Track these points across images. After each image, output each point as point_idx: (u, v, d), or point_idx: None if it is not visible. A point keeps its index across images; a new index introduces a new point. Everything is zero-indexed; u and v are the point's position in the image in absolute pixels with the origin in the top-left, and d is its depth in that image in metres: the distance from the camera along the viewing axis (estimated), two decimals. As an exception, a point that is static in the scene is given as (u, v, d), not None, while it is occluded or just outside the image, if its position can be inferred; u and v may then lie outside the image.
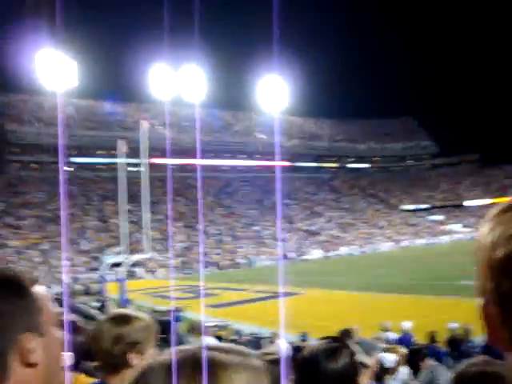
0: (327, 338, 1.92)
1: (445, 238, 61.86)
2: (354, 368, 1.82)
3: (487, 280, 0.54)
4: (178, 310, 17.50)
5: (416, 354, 5.94)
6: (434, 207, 75.03)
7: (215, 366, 0.66)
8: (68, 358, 1.36)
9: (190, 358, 0.66)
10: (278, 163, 79.36)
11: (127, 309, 2.13)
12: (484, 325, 0.57)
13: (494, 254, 0.53)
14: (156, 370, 0.66)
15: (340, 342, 1.88)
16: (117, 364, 1.83)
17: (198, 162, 72.32)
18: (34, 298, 0.96)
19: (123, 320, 1.90)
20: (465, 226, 66.32)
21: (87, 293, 30.15)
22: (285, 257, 53.16)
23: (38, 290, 1.00)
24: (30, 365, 0.92)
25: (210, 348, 0.70)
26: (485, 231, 0.56)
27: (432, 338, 9.36)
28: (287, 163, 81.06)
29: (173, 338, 5.83)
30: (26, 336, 0.92)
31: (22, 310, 0.93)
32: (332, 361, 1.77)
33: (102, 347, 1.86)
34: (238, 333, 14.93)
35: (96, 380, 2.01)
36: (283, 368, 3.17)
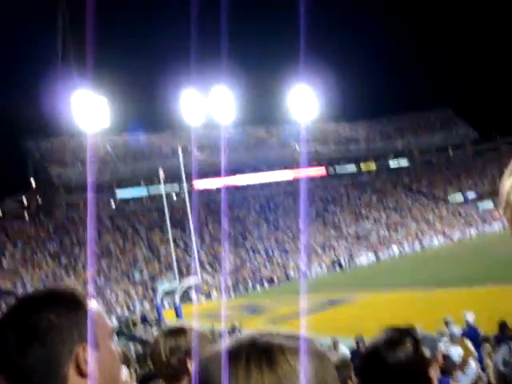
0: (389, 328, 1.82)
1: (498, 225, 60.04)
2: (421, 358, 1.71)
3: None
4: (234, 327, 17.55)
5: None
6: (482, 195, 73.02)
7: (272, 350, 0.65)
8: (125, 372, 1.42)
9: (246, 345, 0.65)
10: (317, 171, 79.06)
11: (181, 322, 2.24)
12: None
13: None
14: (215, 359, 0.66)
15: (403, 331, 1.78)
16: (176, 373, 1.92)
17: (237, 179, 72.79)
18: (88, 311, 1.01)
19: (177, 332, 2.00)
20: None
21: (145, 321, 30.55)
22: (336, 263, 52.68)
23: (93, 304, 1.05)
24: (85, 375, 0.97)
25: (268, 334, 0.69)
26: (506, 176, 0.56)
27: (502, 326, 8.97)
28: (325, 170, 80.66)
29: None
30: (82, 347, 0.97)
31: (78, 323, 0.98)
32: (395, 351, 1.68)
33: (160, 359, 1.95)
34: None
35: None
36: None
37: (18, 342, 0.94)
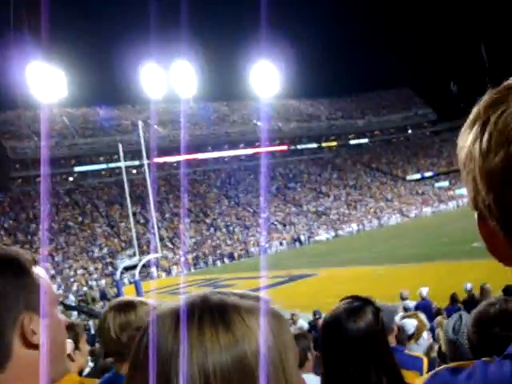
0: (349, 297, 1.82)
1: (453, 204, 61.75)
2: (381, 327, 1.72)
3: (484, 192, 0.49)
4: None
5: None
6: (438, 174, 74.78)
7: (226, 309, 0.61)
8: (69, 344, 1.35)
9: (199, 303, 0.62)
10: (279, 148, 79.25)
11: (129, 296, 2.08)
12: (484, 242, 0.53)
13: (491, 162, 0.48)
14: (163, 319, 0.62)
15: (363, 300, 1.78)
16: (127, 351, 1.80)
17: (198, 156, 72.31)
18: (34, 278, 0.94)
19: (126, 306, 1.88)
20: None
21: (105, 298, 30.33)
22: (296, 240, 53.25)
23: (39, 271, 0.97)
24: (32, 346, 0.90)
25: (221, 293, 0.66)
26: (471, 139, 0.51)
27: (453, 299, 9.37)
28: (286, 147, 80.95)
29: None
30: (28, 315, 0.90)
31: (22, 289, 0.90)
32: (355, 320, 1.68)
33: (109, 336, 1.83)
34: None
35: (108, 373, 1.98)
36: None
37: None
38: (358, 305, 1.74)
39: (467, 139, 0.51)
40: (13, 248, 0.99)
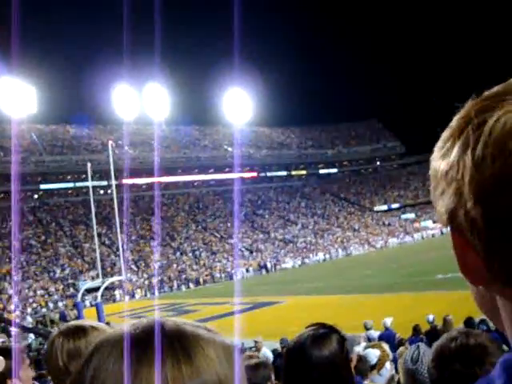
0: (315, 324, 1.78)
1: (419, 235, 62.66)
2: (345, 355, 1.68)
3: (470, 204, 0.45)
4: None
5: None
6: (405, 206, 76.01)
7: (186, 338, 0.57)
8: (1, 362, 1.24)
9: (153, 331, 0.56)
10: (248, 174, 79.50)
11: (82, 320, 1.91)
12: (456, 255, 0.50)
13: (485, 171, 0.44)
14: (112, 349, 0.56)
15: (329, 328, 1.75)
16: None
17: (168, 179, 71.95)
18: (14, 359, 0.90)
19: (77, 332, 1.73)
20: (435, 222, 67.37)
21: (64, 320, 29.49)
22: (263, 267, 53.08)
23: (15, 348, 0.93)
24: None
25: (172, 321, 0.61)
26: (460, 146, 0.47)
27: (415, 330, 9.43)
28: (256, 174, 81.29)
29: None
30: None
31: (9, 370, 0.89)
32: (320, 347, 1.64)
33: (56, 365, 1.68)
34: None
35: None
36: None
37: None
38: (324, 332, 1.71)
39: (452, 148, 0.48)
40: None
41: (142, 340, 0.55)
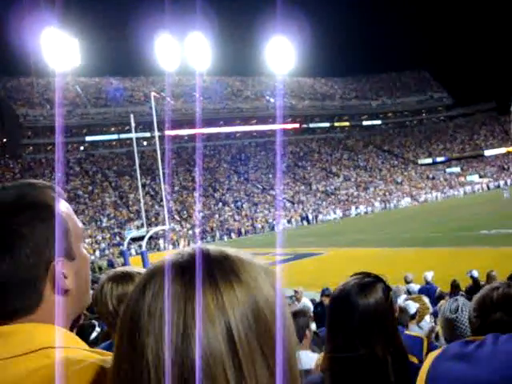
0: (360, 273, 1.80)
1: (463, 190, 61.38)
2: (389, 304, 1.70)
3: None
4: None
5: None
6: (451, 159, 74.18)
7: (232, 260, 0.57)
8: None
9: (201, 255, 0.57)
10: (290, 126, 78.80)
11: (128, 267, 2.02)
12: None
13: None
14: (160, 273, 0.57)
15: (374, 277, 1.76)
16: None
17: (210, 130, 72.15)
18: (61, 218, 0.88)
19: (125, 278, 1.84)
20: (481, 177, 65.72)
21: (112, 267, 30.57)
22: (304, 219, 53.29)
23: (63, 207, 0.92)
24: (61, 292, 0.87)
25: (218, 248, 0.60)
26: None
27: (454, 286, 9.34)
28: (299, 125, 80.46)
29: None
30: (59, 261, 0.86)
31: (50, 232, 0.85)
32: (365, 295, 1.66)
33: (106, 309, 1.80)
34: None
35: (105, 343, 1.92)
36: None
37: None
38: (369, 281, 1.72)
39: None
40: (32, 182, 0.92)
41: (190, 265, 0.55)
